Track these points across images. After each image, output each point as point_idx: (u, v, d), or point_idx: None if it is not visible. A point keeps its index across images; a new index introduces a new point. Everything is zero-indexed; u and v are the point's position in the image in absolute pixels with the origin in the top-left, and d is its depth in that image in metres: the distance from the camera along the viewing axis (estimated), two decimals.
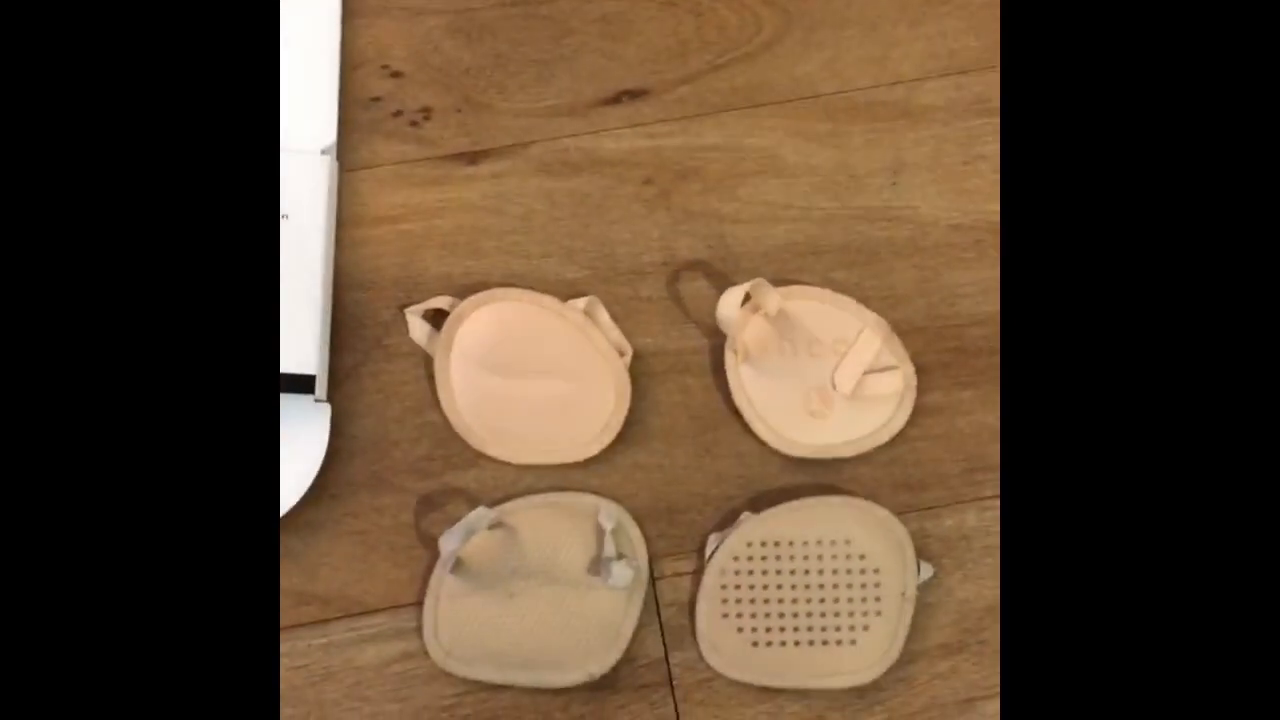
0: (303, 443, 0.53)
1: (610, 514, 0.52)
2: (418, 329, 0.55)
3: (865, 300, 0.57)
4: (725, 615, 0.52)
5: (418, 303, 0.56)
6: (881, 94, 0.61)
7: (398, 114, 0.60)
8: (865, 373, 0.55)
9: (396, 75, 0.61)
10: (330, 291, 0.56)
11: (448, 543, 0.50)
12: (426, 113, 0.60)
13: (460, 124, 0.60)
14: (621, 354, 0.56)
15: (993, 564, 0.54)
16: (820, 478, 0.55)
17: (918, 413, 0.55)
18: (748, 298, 0.55)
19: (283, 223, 0.55)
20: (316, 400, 0.54)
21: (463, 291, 0.56)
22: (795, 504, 0.53)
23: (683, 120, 0.60)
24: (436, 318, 0.56)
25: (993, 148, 0.60)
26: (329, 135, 0.58)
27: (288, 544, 0.53)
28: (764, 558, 0.52)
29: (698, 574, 0.53)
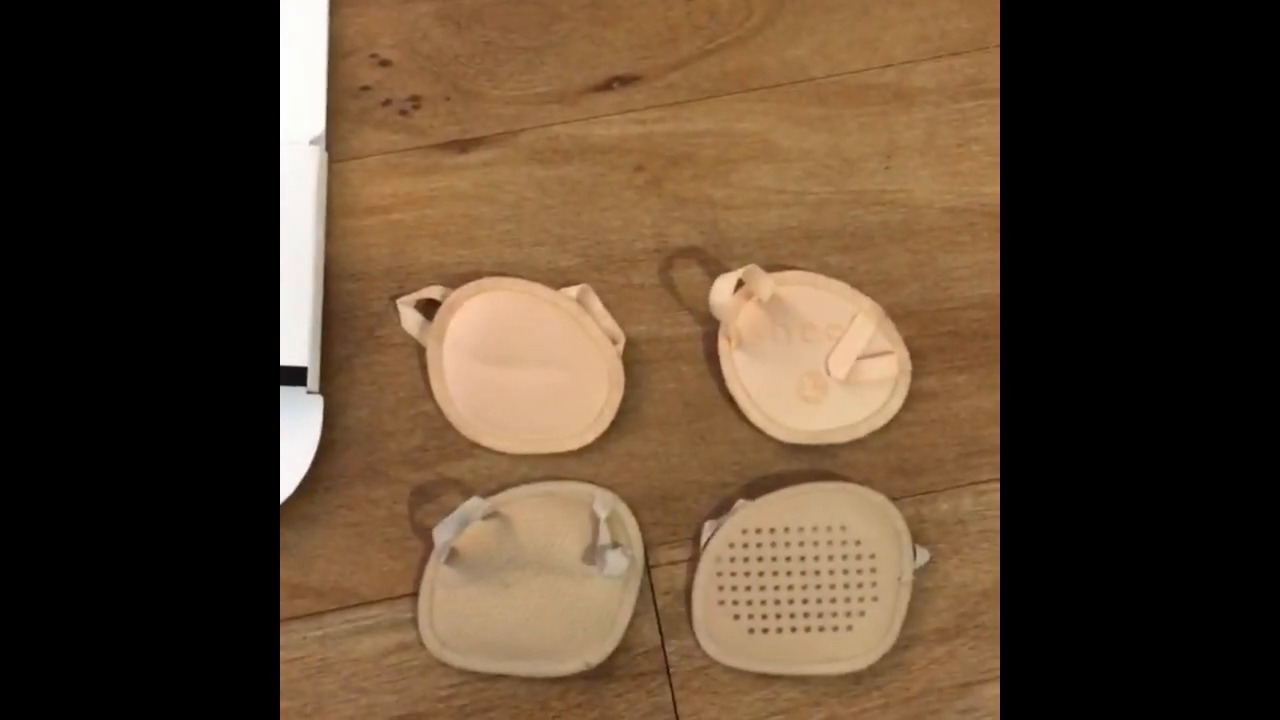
0: (296, 435, 0.53)
1: (605, 502, 0.52)
2: (410, 319, 0.55)
3: (859, 285, 0.56)
4: (721, 603, 0.52)
5: (409, 293, 0.56)
6: (874, 77, 0.60)
7: (387, 103, 0.60)
8: (859, 358, 0.55)
9: (385, 64, 0.60)
10: (321, 283, 0.56)
11: (442, 534, 0.50)
12: (416, 101, 0.60)
13: (450, 112, 0.60)
14: (614, 342, 0.55)
15: (989, 548, 0.54)
16: (815, 464, 0.55)
17: (913, 397, 0.55)
18: (741, 284, 0.55)
19: None
20: (309, 392, 0.54)
21: (455, 281, 0.56)
22: (790, 490, 0.53)
23: (674, 106, 0.60)
24: (429, 308, 0.56)
25: (986, 130, 0.59)
26: (318, 125, 0.58)
27: (282, 537, 0.53)
28: (759, 544, 0.52)
29: (693, 562, 0.53)
